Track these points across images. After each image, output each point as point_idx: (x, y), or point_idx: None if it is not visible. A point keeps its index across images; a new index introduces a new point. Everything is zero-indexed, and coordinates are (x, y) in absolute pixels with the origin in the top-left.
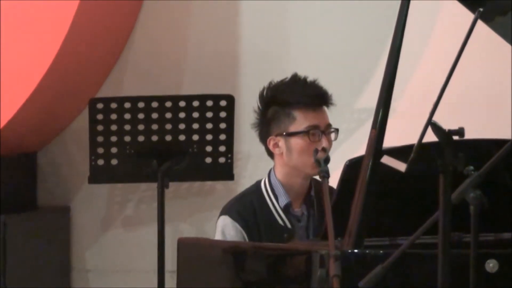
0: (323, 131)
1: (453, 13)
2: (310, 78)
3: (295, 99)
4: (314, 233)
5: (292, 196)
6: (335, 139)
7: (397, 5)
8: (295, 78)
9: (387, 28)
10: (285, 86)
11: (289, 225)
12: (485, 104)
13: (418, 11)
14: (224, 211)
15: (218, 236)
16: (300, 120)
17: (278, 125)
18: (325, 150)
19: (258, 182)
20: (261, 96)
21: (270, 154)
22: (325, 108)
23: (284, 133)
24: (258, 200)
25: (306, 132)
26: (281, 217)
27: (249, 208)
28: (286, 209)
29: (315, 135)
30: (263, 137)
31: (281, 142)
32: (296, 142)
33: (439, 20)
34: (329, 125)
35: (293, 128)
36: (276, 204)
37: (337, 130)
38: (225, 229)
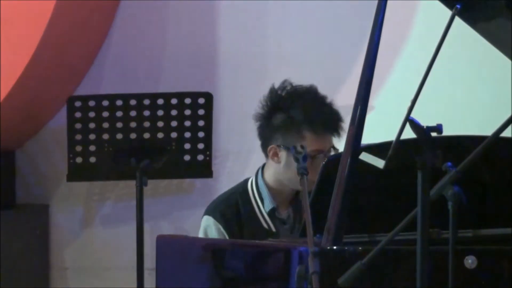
0: (325, 154)
1: (431, 9)
2: (329, 99)
3: (310, 120)
4: (299, 235)
5: (279, 200)
6: None
7: (374, 2)
8: (313, 94)
9: (365, 25)
10: (302, 98)
11: (273, 229)
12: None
13: (396, 8)
14: (208, 211)
15: (200, 236)
16: (309, 142)
17: (284, 137)
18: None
19: (246, 182)
20: (273, 95)
21: (266, 154)
22: None
23: (289, 148)
24: (243, 201)
25: (311, 156)
26: (265, 221)
27: (233, 209)
28: (272, 213)
29: (318, 158)
30: (264, 137)
31: (282, 154)
32: None
33: (418, 17)
34: (332, 147)
35: None
36: (262, 207)
37: (337, 150)
38: (208, 230)
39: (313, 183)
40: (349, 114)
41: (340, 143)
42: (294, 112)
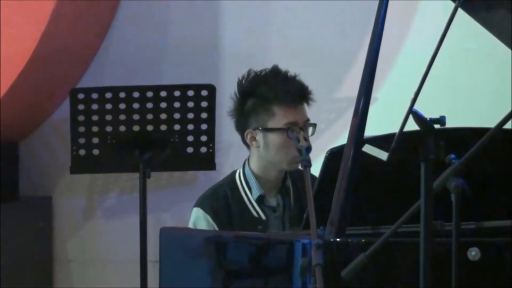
0: (301, 128)
1: (434, 1)
2: (291, 73)
3: (275, 95)
4: (290, 222)
5: (267, 187)
6: (313, 133)
7: None
8: (275, 71)
9: (368, 16)
10: (265, 79)
11: (263, 217)
12: (468, 93)
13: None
14: (197, 203)
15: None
16: (279, 117)
17: (257, 119)
18: (305, 139)
19: (233, 173)
20: (240, 86)
21: (247, 145)
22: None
23: (263, 128)
24: (232, 192)
25: (284, 129)
26: (255, 209)
27: (222, 200)
28: (261, 200)
29: (293, 131)
30: (241, 128)
31: (259, 136)
32: (274, 138)
33: (420, 9)
34: (307, 120)
35: (271, 124)
36: (250, 195)
37: (314, 125)
38: (197, 221)
39: (296, 163)
40: (352, 106)
41: (343, 134)
42: (261, 93)
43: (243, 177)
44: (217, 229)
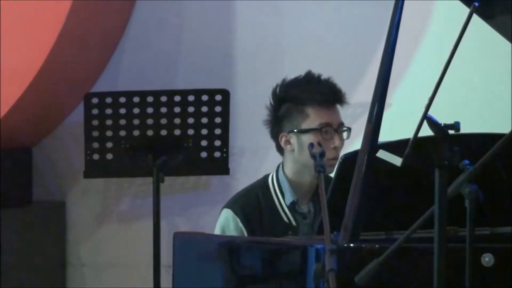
0: (335, 129)
1: (449, 6)
2: (324, 76)
3: (308, 96)
4: (319, 230)
5: (300, 193)
6: (348, 137)
7: (392, 0)
8: (309, 75)
9: (382, 22)
10: (298, 83)
11: (294, 223)
12: (483, 100)
13: (413, 5)
14: (228, 204)
15: (217, 228)
16: (313, 117)
17: (291, 122)
18: (336, 149)
19: (266, 177)
20: (274, 93)
21: (280, 150)
22: (338, 106)
23: (296, 130)
24: (264, 195)
25: (318, 130)
26: (286, 214)
27: (254, 203)
28: (293, 206)
29: (327, 132)
30: (275, 134)
31: (293, 139)
32: (308, 139)
33: (435, 14)
34: (341, 124)
35: (305, 125)
36: (282, 201)
37: (349, 129)
38: (225, 223)
39: (331, 166)
40: (367, 112)
41: (357, 140)
42: (294, 97)
43: (276, 182)
44: (245, 232)
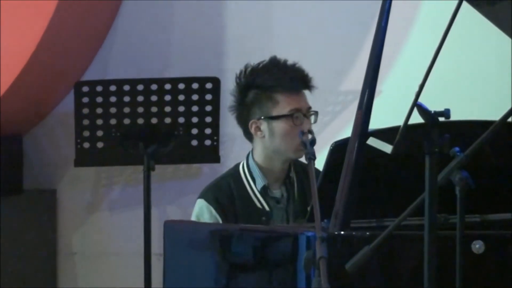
0: (304, 114)
1: None
2: (290, 61)
3: (277, 83)
4: (293, 214)
5: (271, 178)
6: (315, 121)
7: None
8: (274, 61)
9: (373, 9)
10: (265, 69)
11: (267, 208)
12: (473, 86)
13: None
14: (201, 195)
15: (193, 218)
16: (283, 104)
17: (260, 109)
18: (310, 132)
19: (237, 165)
20: (239, 79)
21: (248, 136)
22: (304, 91)
23: (267, 117)
24: (235, 183)
25: (289, 116)
26: (258, 200)
27: (226, 191)
28: (265, 191)
29: (298, 118)
30: (243, 120)
31: (264, 125)
32: (279, 125)
33: (425, 1)
34: (309, 108)
35: (276, 112)
36: (254, 186)
37: (316, 113)
38: (200, 213)
39: (300, 148)
40: (357, 99)
41: (348, 127)
42: (261, 82)
43: (246, 169)
44: (220, 220)
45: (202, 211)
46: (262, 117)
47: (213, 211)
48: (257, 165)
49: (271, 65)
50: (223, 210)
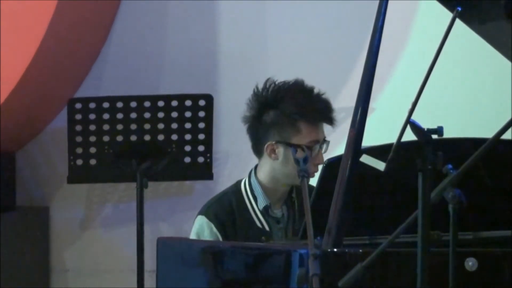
0: (320, 145)
1: (432, 11)
2: (316, 90)
3: (303, 112)
4: (293, 234)
5: (273, 198)
6: (325, 151)
7: (375, 4)
8: (301, 86)
9: (365, 27)
10: (290, 93)
11: (267, 228)
12: (466, 104)
13: (396, 10)
14: (202, 211)
15: (192, 236)
16: (305, 134)
17: (280, 133)
18: (319, 166)
19: (239, 182)
20: (259, 95)
21: (258, 154)
22: None
23: (286, 142)
24: (237, 201)
25: (308, 147)
26: (259, 219)
27: (227, 208)
28: (265, 211)
29: (315, 149)
30: (257, 137)
31: (279, 149)
32: (297, 154)
33: (418, 19)
34: (324, 138)
35: (296, 140)
36: (255, 205)
37: (328, 142)
38: (200, 230)
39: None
40: (350, 116)
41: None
42: (286, 106)
43: (248, 187)
44: (220, 237)
45: (202, 228)
46: (280, 142)
47: (214, 228)
48: (260, 184)
49: (298, 90)
50: (223, 228)
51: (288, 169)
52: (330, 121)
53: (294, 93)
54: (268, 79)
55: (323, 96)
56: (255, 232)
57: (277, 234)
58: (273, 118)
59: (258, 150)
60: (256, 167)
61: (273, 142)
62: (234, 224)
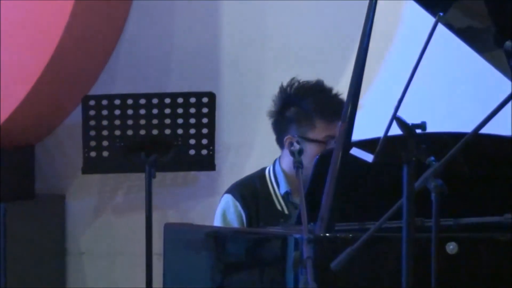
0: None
1: (417, 10)
2: (335, 90)
3: (320, 109)
4: None
5: (293, 186)
6: None
7: (365, 4)
8: (321, 86)
9: (356, 26)
10: (310, 91)
11: (286, 211)
12: (447, 100)
13: (382, 9)
14: (228, 190)
15: (218, 212)
16: (320, 130)
17: (298, 128)
18: None
19: (263, 169)
20: (284, 92)
21: (280, 145)
22: None
23: (303, 137)
24: (261, 185)
25: (323, 142)
26: (280, 203)
27: (252, 191)
28: (287, 196)
29: (330, 144)
30: (279, 130)
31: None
32: (312, 148)
33: (403, 18)
34: None
35: (312, 135)
36: (277, 190)
37: None
38: (226, 207)
39: None
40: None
41: None
42: (305, 104)
43: (272, 173)
44: (244, 216)
45: (228, 205)
46: (298, 136)
47: (239, 206)
48: (283, 172)
49: (317, 90)
50: (247, 208)
51: (305, 161)
52: None
53: (313, 92)
54: (292, 78)
55: (340, 97)
56: (275, 214)
57: (295, 218)
58: (293, 114)
59: (280, 142)
60: (279, 157)
61: (291, 136)
62: (258, 205)
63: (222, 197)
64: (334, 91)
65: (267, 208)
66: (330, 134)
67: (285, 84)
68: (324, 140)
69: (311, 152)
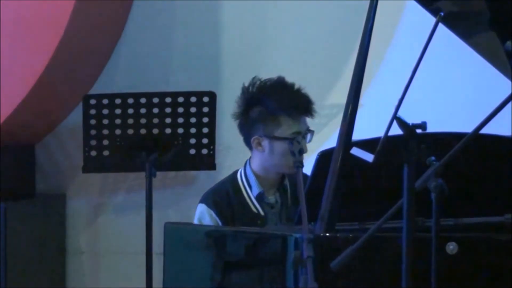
0: (303, 136)
1: (418, 9)
2: (297, 86)
3: (284, 106)
4: (286, 218)
5: (266, 186)
6: (310, 141)
7: (365, 5)
8: (282, 83)
9: (357, 26)
10: (273, 89)
11: (262, 213)
12: (448, 101)
13: (383, 8)
14: (202, 200)
15: (195, 222)
16: (286, 127)
17: (264, 127)
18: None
19: (235, 172)
20: (246, 92)
21: (249, 146)
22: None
23: (269, 136)
24: (233, 189)
25: (290, 139)
26: (254, 205)
27: (224, 196)
28: (260, 197)
29: (298, 140)
30: (245, 131)
31: (265, 142)
32: (280, 145)
33: (404, 17)
34: (307, 128)
35: (278, 133)
36: (250, 193)
37: (312, 132)
38: (201, 216)
39: (290, 168)
40: (341, 112)
41: (333, 137)
42: (268, 103)
43: (244, 176)
44: (220, 223)
45: (203, 215)
46: (265, 135)
47: (213, 214)
48: (253, 174)
49: (279, 87)
50: (221, 214)
51: (275, 160)
52: (310, 113)
53: (275, 90)
54: (253, 78)
55: (303, 91)
56: (251, 217)
57: (272, 218)
58: (258, 114)
59: (248, 143)
60: (250, 158)
61: (258, 136)
62: (232, 210)
63: (197, 206)
64: (296, 87)
65: (242, 211)
66: (296, 131)
67: (246, 84)
68: (292, 137)
69: (279, 150)
